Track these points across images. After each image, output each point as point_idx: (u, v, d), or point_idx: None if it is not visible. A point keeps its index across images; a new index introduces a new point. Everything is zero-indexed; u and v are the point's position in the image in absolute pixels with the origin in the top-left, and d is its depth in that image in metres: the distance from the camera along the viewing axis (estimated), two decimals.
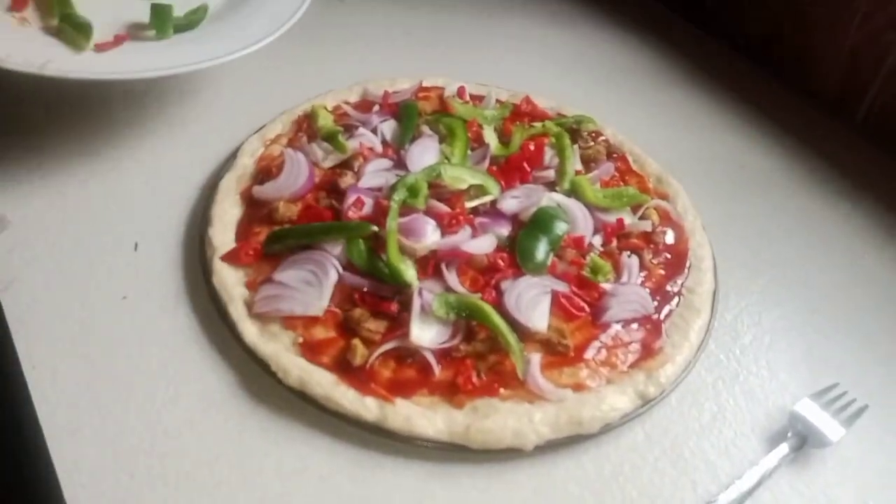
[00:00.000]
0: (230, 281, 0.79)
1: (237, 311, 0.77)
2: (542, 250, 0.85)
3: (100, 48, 0.90)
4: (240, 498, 0.64)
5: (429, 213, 0.86)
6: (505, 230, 0.88)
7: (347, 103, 1.06)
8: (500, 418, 0.70)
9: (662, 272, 0.89)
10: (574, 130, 1.05)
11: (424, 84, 1.11)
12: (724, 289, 0.91)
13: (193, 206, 0.91)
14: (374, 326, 0.76)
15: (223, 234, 0.84)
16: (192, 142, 1.00)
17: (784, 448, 0.74)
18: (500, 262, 0.83)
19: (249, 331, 0.75)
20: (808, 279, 0.96)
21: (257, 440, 0.69)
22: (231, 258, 0.81)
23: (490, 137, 0.99)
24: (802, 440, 0.75)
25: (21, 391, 0.70)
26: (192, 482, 0.65)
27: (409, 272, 0.79)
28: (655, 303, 0.84)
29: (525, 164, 0.96)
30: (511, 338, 0.74)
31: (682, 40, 1.42)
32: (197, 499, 0.64)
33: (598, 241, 0.90)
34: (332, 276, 0.79)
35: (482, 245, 0.85)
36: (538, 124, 1.04)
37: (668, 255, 0.91)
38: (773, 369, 0.84)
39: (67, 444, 0.66)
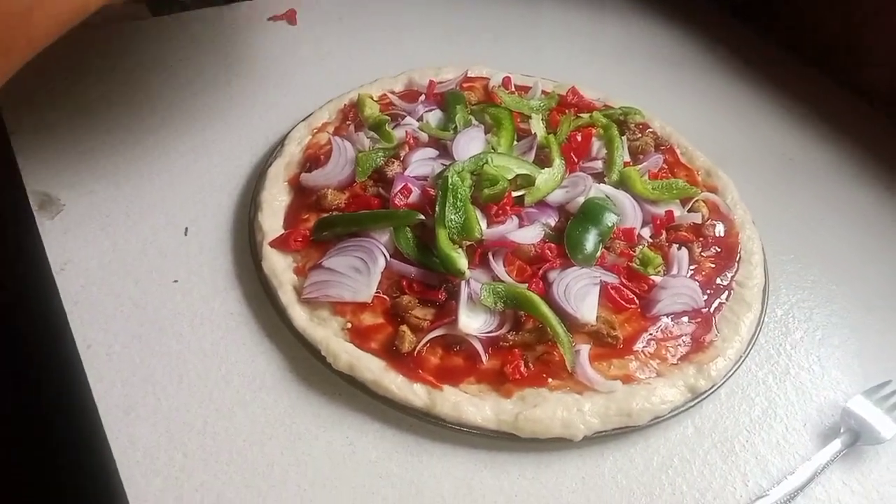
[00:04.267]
0: (280, 266, 0.80)
1: (287, 297, 0.77)
2: (591, 241, 0.84)
3: None
4: (291, 478, 0.65)
5: (475, 202, 0.86)
6: (552, 220, 0.88)
7: (393, 92, 1.06)
8: (548, 408, 0.70)
9: (712, 265, 0.88)
10: (621, 122, 1.04)
11: (469, 74, 1.10)
12: (775, 283, 0.90)
13: (242, 192, 0.91)
14: (422, 314, 0.76)
15: (272, 220, 0.84)
16: (240, 128, 1.00)
17: (837, 444, 0.73)
18: (548, 253, 0.83)
19: (299, 316, 0.76)
20: (860, 275, 0.94)
21: (307, 423, 0.69)
22: (280, 244, 0.82)
23: (537, 127, 0.98)
24: (855, 436, 0.74)
25: (76, 370, 0.71)
26: (245, 461, 0.66)
27: (462, 261, 0.78)
28: (705, 296, 0.83)
29: (572, 155, 0.95)
30: (559, 328, 0.74)
31: (728, 34, 1.40)
32: (249, 478, 0.64)
33: (647, 233, 0.89)
34: (381, 264, 0.79)
35: (529, 235, 0.84)
36: (585, 115, 1.03)
37: (718, 249, 0.90)
38: (824, 365, 0.83)
39: (122, 421, 0.67)
